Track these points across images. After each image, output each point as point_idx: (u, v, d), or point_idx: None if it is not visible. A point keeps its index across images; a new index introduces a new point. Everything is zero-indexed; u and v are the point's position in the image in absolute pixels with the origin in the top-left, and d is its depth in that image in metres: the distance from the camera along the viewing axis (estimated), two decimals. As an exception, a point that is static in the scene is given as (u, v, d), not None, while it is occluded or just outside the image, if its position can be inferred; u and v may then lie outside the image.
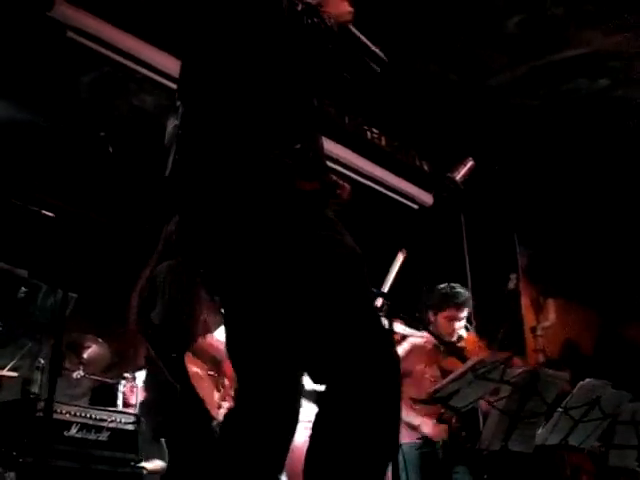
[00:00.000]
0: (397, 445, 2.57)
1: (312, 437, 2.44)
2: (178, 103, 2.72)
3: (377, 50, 2.92)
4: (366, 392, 2.37)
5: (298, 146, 2.57)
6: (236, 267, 2.53)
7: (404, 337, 5.88)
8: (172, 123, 2.74)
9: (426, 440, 5.67)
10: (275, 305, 2.50)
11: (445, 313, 5.95)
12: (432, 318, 5.99)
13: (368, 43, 2.90)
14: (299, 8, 2.65)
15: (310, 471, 2.40)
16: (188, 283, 4.70)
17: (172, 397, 4.67)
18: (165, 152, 2.73)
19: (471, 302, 6.11)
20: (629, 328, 9.09)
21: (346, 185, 2.88)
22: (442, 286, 6.09)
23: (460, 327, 5.96)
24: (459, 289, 6.06)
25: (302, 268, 2.45)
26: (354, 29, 2.86)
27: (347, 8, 2.84)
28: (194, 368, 4.72)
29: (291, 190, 2.52)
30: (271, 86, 2.62)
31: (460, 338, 5.91)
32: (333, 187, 2.76)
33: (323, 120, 2.84)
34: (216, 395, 4.83)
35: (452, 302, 5.96)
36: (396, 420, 2.46)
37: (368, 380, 2.38)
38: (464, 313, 5.98)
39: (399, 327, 5.71)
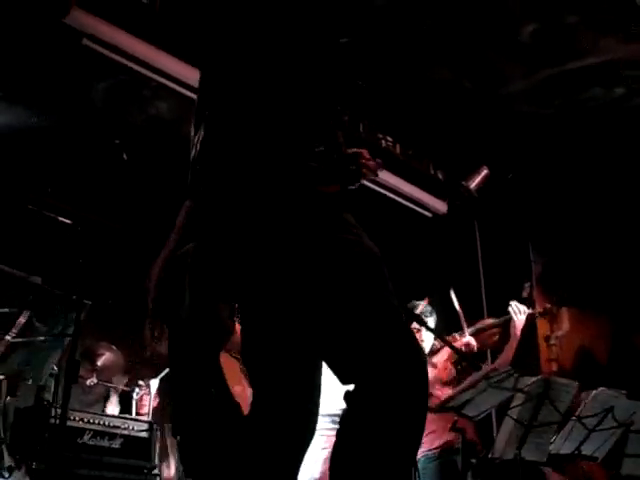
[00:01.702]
0: (419, 444, 2.56)
1: (339, 435, 2.44)
2: (201, 105, 2.72)
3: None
4: (395, 391, 2.37)
5: (322, 148, 2.58)
6: (257, 269, 2.53)
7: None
8: (193, 131, 2.74)
9: (444, 450, 5.69)
10: (296, 306, 2.50)
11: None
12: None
13: None
14: None
15: (336, 468, 2.41)
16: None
17: (195, 399, 4.63)
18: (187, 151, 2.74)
19: (434, 315, 6.13)
20: (644, 338, 9.05)
21: (376, 161, 2.90)
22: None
23: (427, 338, 5.95)
24: (416, 303, 6.09)
25: (323, 269, 2.45)
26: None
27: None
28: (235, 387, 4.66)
29: (312, 192, 2.53)
30: (294, 88, 2.63)
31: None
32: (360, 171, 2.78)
33: (339, 128, 2.84)
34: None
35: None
36: (423, 417, 2.45)
37: (396, 379, 2.37)
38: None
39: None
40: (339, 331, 2.45)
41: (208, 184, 2.59)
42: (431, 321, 6.09)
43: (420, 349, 2.53)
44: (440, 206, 8.77)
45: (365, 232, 2.60)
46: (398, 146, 8.08)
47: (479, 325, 6.21)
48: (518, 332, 6.04)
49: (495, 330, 6.14)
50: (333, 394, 2.58)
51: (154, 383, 6.23)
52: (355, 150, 2.89)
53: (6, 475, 4.81)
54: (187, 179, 2.70)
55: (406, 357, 2.42)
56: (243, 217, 2.51)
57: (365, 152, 2.92)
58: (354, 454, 2.37)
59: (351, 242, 2.52)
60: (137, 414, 6.19)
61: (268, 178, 2.51)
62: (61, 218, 4.95)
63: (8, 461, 4.87)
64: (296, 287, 2.47)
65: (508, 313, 6.16)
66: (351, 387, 2.46)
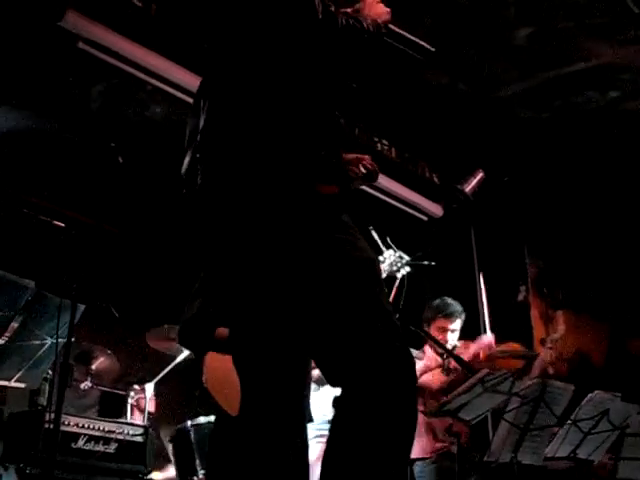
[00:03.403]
0: (411, 448, 2.54)
1: (329, 440, 2.43)
2: (201, 104, 2.71)
3: (421, 42, 2.96)
4: (383, 394, 2.36)
5: (323, 153, 2.58)
6: (251, 269, 2.52)
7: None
8: (192, 124, 2.73)
9: (440, 455, 5.69)
10: (290, 308, 2.48)
11: (436, 324, 6.10)
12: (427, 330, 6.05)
13: (411, 37, 2.95)
14: (332, 9, 2.66)
15: (327, 472, 2.40)
16: None
17: None
18: (182, 152, 2.72)
19: (463, 315, 6.16)
20: (638, 341, 9.05)
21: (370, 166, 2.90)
22: (436, 300, 6.22)
23: (452, 339, 6.01)
24: (449, 301, 6.22)
25: (318, 270, 2.45)
26: (395, 27, 2.90)
27: (383, 9, 2.88)
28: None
29: (309, 193, 2.53)
30: (299, 92, 2.62)
31: (454, 348, 5.94)
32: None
33: (337, 132, 2.83)
34: None
35: (441, 313, 6.12)
36: (413, 421, 2.44)
37: (385, 382, 2.37)
38: (454, 325, 6.10)
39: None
40: (328, 332, 2.44)
41: (207, 176, 2.59)
42: (460, 321, 6.13)
43: (409, 352, 2.51)
44: (436, 209, 8.77)
45: (362, 235, 2.60)
46: (394, 150, 8.08)
47: (507, 349, 6.19)
48: (537, 372, 6.04)
49: (517, 361, 6.10)
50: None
51: (149, 387, 6.21)
52: (357, 155, 2.89)
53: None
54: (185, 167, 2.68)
55: (394, 360, 2.41)
56: (239, 213, 2.50)
57: (367, 158, 2.92)
58: (342, 459, 2.36)
59: (347, 244, 2.51)
60: (132, 418, 6.17)
61: (266, 176, 2.50)
62: (55, 221, 4.92)
63: None
64: (288, 286, 2.47)
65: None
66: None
